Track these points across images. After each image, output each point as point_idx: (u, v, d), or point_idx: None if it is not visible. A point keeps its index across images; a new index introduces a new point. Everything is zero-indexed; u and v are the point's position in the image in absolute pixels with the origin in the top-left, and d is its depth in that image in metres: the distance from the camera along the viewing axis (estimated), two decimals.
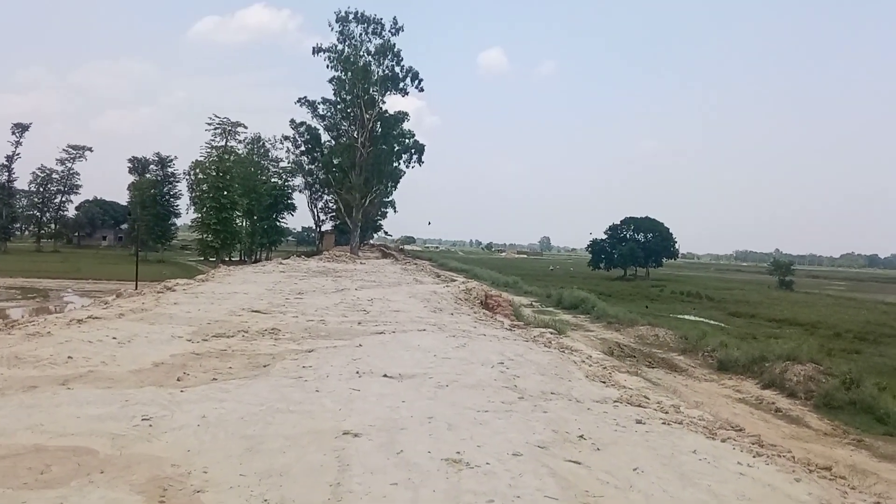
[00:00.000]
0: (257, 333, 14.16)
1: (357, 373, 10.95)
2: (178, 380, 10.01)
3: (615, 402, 10.78)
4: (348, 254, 55.54)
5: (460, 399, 9.69)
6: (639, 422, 9.14)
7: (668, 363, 23.82)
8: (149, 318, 15.60)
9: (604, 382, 12.43)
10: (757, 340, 32.89)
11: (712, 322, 43.26)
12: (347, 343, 13.66)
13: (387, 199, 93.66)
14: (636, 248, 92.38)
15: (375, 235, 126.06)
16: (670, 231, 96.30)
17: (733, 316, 49.34)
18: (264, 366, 11.34)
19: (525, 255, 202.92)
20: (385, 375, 10.88)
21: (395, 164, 73.92)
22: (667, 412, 10.40)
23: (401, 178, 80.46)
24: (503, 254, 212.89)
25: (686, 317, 46.83)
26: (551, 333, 19.41)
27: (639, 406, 10.68)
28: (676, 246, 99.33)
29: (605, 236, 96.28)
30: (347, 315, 17.77)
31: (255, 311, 17.23)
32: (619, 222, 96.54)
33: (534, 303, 41.63)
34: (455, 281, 35.58)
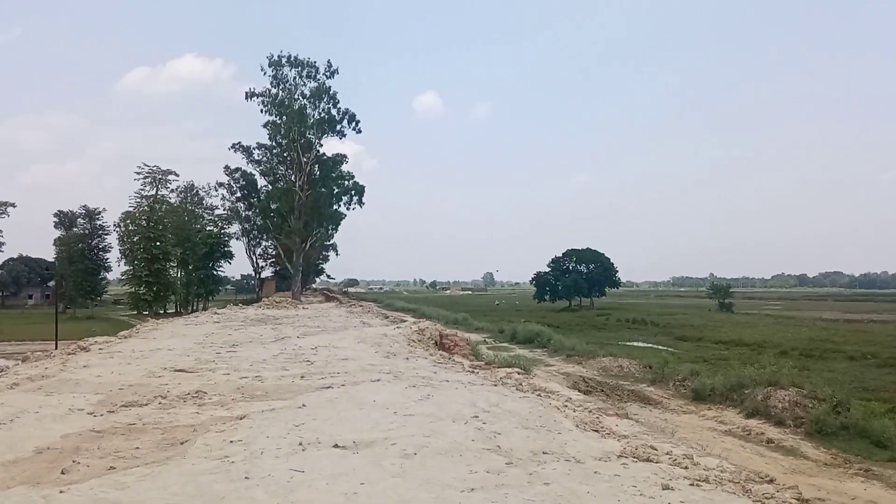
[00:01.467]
0: (178, 399, 11.61)
1: (300, 444, 8.59)
2: (63, 472, 7.49)
3: (620, 457, 8.74)
4: (289, 299, 52.53)
5: (435, 472, 7.47)
6: (665, 487, 7.06)
7: (640, 396, 22.03)
8: (48, 386, 12.85)
9: (597, 431, 10.38)
10: (709, 363, 31.86)
11: (661, 347, 42.30)
12: (288, 404, 11.25)
13: (328, 243, 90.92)
14: (579, 279, 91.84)
15: (318, 279, 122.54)
16: (611, 261, 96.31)
17: (680, 340, 48.63)
18: (182, 443, 8.87)
19: (470, 292, 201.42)
20: (336, 445, 8.56)
21: (336, 207, 71.40)
22: (685, 467, 8.39)
23: (341, 220, 77.91)
24: (448, 291, 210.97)
25: (635, 343, 45.80)
26: (519, 373, 17.32)
27: (648, 460, 8.67)
28: (617, 275, 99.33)
29: (548, 269, 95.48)
30: (288, 368, 15.31)
31: (179, 371, 14.61)
32: (561, 255, 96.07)
33: (487, 339, 39.58)
34: (405, 321, 33.29)
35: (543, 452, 8.59)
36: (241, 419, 10.16)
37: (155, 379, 13.74)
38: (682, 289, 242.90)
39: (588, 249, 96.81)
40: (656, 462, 8.61)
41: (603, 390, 22.90)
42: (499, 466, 7.83)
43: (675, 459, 8.82)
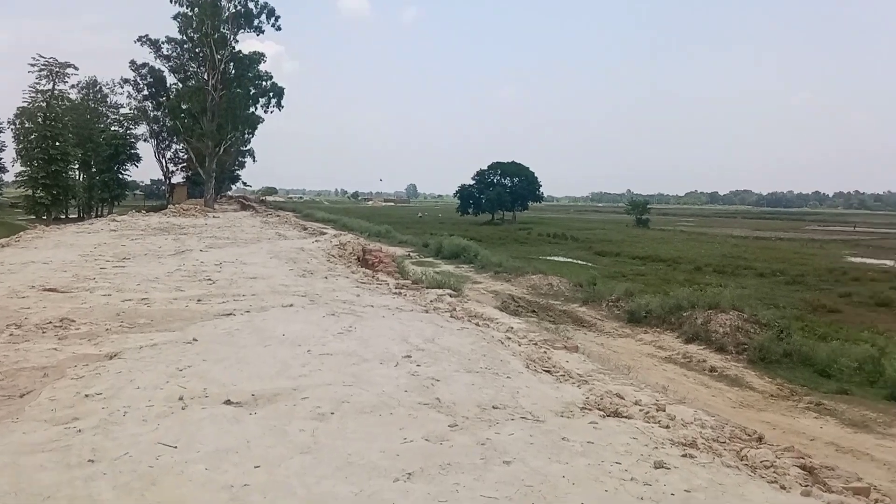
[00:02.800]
0: (35, 329, 9.23)
1: (180, 399, 6.52)
2: None
3: (584, 409, 7.10)
4: (199, 207, 48.91)
5: (358, 444, 5.59)
6: (659, 466, 5.42)
7: (573, 317, 20.91)
8: None
9: (549, 372, 8.73)
10: (628, 278, 31.45)
11: (581, 262, 41.92)
12: (175, 337, 9.07)
13: (244, 148, 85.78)
14: (503, 193, 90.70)
15: (234, 187, 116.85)
16: (535, 175, 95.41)
17: (599, 255, 48.48)
18: (22, 395, 6.66)
19: (393, 203, 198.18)
20: (228, 401, 6.54)
21: (252, 109, 66.56)
22: (666, 426, 6.82)
23: (258, 124, 73.15)
24: (370, 202, 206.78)
25: (556, 258, 45.30)
26: (451, 296, 15.58)
27: (618, 415, 7.07)
28: (541, 189, 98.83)
29: (472, 182, 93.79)
30: (184, 288, 12.99)
31: (49, 290, 12.08)
32: (486, 167, 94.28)
33: (411, 253, 37.84)
34: (325, 234, 30.99)
35: (494, 407, 6.84)
36: (110, 359, 7.95)
37: (16, 300, 11.22)
38: (600, 204, 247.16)
39: (513, 163, 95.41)
40: (628, 417, 7.03)
41: (534, 311, 21.63)
42: (441, 431, 6.02)
43: (648, 413, 7.26)
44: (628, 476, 5.15)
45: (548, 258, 43.56)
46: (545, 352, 10.20)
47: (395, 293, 14.99)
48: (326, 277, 15.76)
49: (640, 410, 7.36)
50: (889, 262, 46.09)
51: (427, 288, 17.45)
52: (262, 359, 8.06)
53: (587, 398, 7.55)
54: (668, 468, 5.37)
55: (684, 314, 18.37)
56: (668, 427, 6.75)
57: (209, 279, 14.21)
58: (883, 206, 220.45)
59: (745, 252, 51.39)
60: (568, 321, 20.24)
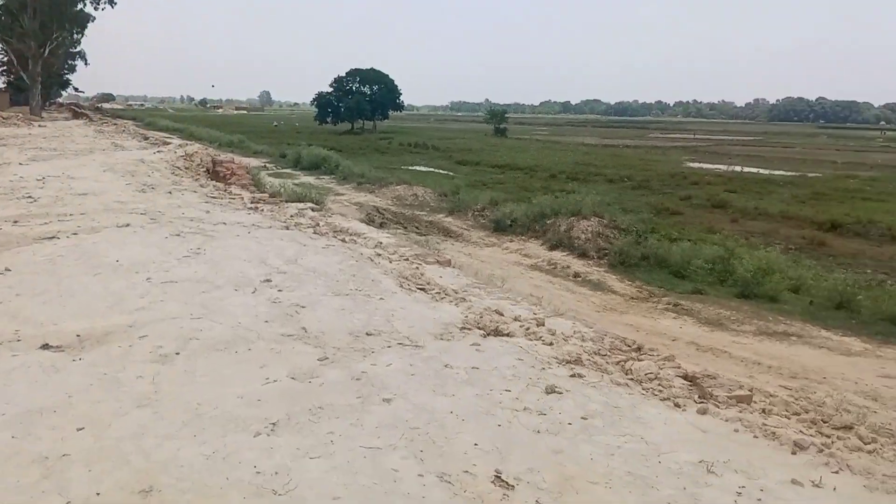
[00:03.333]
0: None
1: None
2: None
3: (464, 330, 6.61)
4: (24, 116, 43.41)
5: (210, 390, 4.74)
6: (551, 391, 5.00)
7: (439, 227, 20.47)
8: None
9: (424, 290, 8.15)
10: (487, 187, 31.66)
11: (442, 171, 41.72)
12: None
13: (74, 49, 76.55)
14: (363, 101, 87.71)
15: (64, 93, 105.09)
16: (395, 83, 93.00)
17: (460, 164, 48.41)
18: None
19: (245, 111, 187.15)
20: (46, 346, 5.40)
21: (80, 6, 59.09)
22: (549, 343, 6.47)
23: (88, 22, 65.17)
24: (220, 110, 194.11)
25: (418, 167, 44.81)
26: (313, 210, 14.55)
27: (499, 333, 6.65)
28: (401, 98, 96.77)
29: (330, 89, 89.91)
30: None
31: None
32: (344, 74, 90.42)
33: (267, 164, 35.62)
34: (169, 144, 28.36)
35: (368, 334, 6.16)
36: None
37: None
38: (459, 113, 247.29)
39: (372, 70, 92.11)
40: (509, 335, 6.61)
41: (400, 222, 20.97)
42: (309, 366, 5.27)
43: (529, 329, 6.88)
44: (521, 405, 4.68)
45: (409, 168, 42.89)
46: (417, 268, 9.60)
47: (251, 208, 13.74)
48: (170, 192, 14.15)
49: (521, 327, 6.96)
50: (722, 167, 49.37)
51: (286, 202, 16.25)
52: (91, 290, 6.84)
53: (466, 317, 7.05)
54: (561, 392, 4.97)
55: (548, 222, 18.46)
56: (551, 344, 6.38)
57: (29, 196, 12.26)
58: (717, 113, 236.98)
59: (595, 159, 53.14)
60: (435, 232, 19.81)
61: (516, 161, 49.74)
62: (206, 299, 6.77)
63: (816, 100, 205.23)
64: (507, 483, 3.60)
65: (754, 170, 46.73)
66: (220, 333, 5.84)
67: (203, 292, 7.00)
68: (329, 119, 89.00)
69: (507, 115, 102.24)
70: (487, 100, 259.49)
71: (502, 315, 7.36)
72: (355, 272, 8.27)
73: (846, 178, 43.56)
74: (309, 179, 30.14)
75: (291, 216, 13.70)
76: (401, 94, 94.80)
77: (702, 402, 5.04)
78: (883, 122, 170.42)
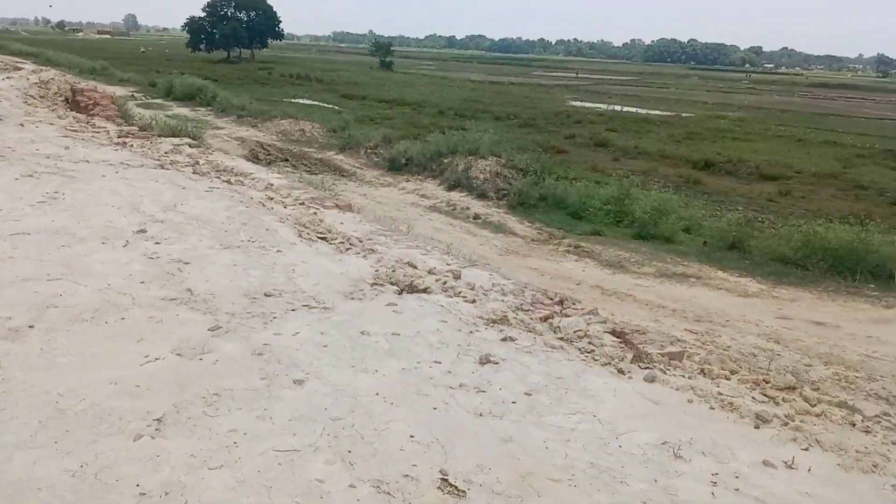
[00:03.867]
0: None
1: None
2: None
3: (375, 286, 5.92)
4: None
5: (73, 374, 3.82)
6: (486, 361, 4.42)
7: (330, 165, 19.30)
8: None
9: (325, 239, 7.32)
10: (375, 122, 30.72)
11: (327, 105, 40.09)
12: None
13: None
14: (239, 28, 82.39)
15: None
16: (274, 9, 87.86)
17: (346, 98, 46.72)
18: None
19: (109, 36, 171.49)
20: None
21: None
22: (472, 300, 5.89)
23: None
24: (80, 34, 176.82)
25: (300, 100, 42.80)
26: (191, 146, 13.10)
27: (414, 288, 6.00)
28: (281, 26, 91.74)
29: (203, 14, 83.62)
30: None
31: None
32: None
33: (135, 94, 32.56)
34: (21, 70, 25.10)
35: (266, 295, 5.33)
36: None
37: None
38: (343, 45, 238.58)
39: None
40: (425, 290, 5.97)
41: (287, 159, 19.63)
42: (199, 338, 4.42)
43: (446, 283, 6.26)
44: (455, 381, 4.07)
45: (292, 101, 40.83)
46: (315, 213, 8.69)
47: (119, 144, 12.17)
48: (22, 125, 12.27)
49: (437, 281, 6.32)
50: (603, 106, 50.40)
51: (159, 136, 14.60)
52: None
53: (376, 271, 6.33)
54: (497, 363, 4.40)
55: (445, 161, 17.77)
56: (473, 301, 5.80)
57: None
58: (596, 53, 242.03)
59: (482, 96, 52.86)
60: (326, 171, 18.65)
61: (404, 96, 48.52)
62: (67, 255, 5.65)
63: (688, 42, 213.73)
64: (456, 488, 2.99)
65: (633, 109, 48.00)
66: (85, 299, 4.82)
67: (63, 246, 5.85)
68: (203, 46, 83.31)
69: (392, 49, 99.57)
70: (372, 31, 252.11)
71: (415, 268, 6.68)
72: (246, 220, 7.30)
73: (716, 118, 45.65)
74: (183, 111, 27.76)
75: (166, 153, 12.25)
76: (280, 21, 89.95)
77: (648, 369, 4.63)
78: (747, 65, 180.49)
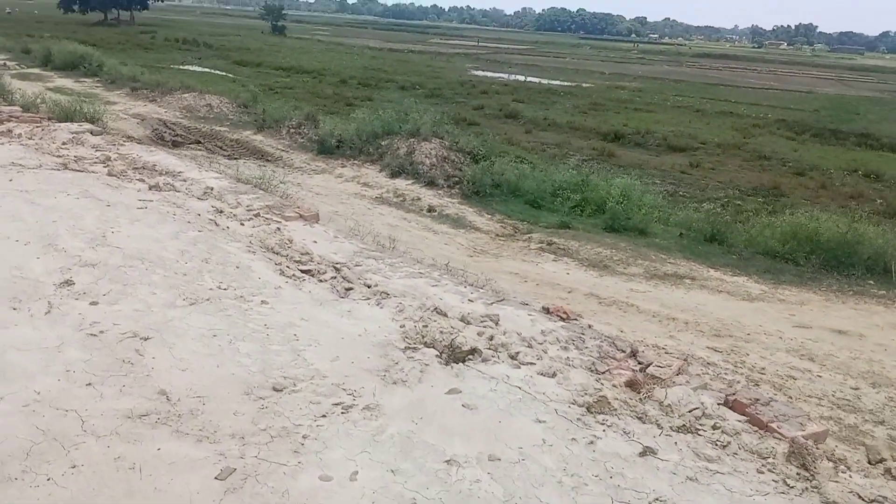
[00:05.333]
0: None
1: None
2: None
3: (408, 348, 4.37)
4: None
5: None
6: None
7: (250, 148, 16.95)
8: None
9: (309, 271, 5.62)
10: (275, 92, 28.42)
11: (220, 72, 36.95)
12: None
13: None
14: None
15: None
16: None
17: (239, 65, 43.32)
18: None
19: None
20: None
21: None
22: (553, 373, 4.42)
23: None
24: None
25: (190, 67, 39.27)
26: (93, 133, 10.72)
27: (456, 352, 4.60)
28: None
29: None
30: None
31: None
32: None
33: (7, 62, 28.27)
34: None
35: (276, 389, 3.65)
36: None
37: None
38: (228, 7, 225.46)
39: None
40: (475, 353, 4.50)
41: (200, 141, 17.12)
42: None
43: (492, 337, 4.79)
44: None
45: (181, 68, 37.27)
46: (278, 229, 6.85)
47: (1, 133, 9.68)
48: None
49: (480, 335, 4.81)
50: (504, 76, 49.53)
51: (49, 119, 11.99)
52: None
53: (402, 326, 4.70)
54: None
55: (383, 143, 15.90)
56: (554, 376, 4.32)
57: None
58: (489, 20, 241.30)
59: (383, 65, 50.72)
60: (246, 154, 16.37)
61: (301, 63, 45.57)
62: None
63: (577, 11, 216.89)
64: None
65: (535, 79, 47.29)
66: None
67: None
68: (76, 8, 75.88)
69: (284, 13, 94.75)
70: None
71: (445, 315, 5.10)
72: (205, 252, 5.43)
73: (616, 88, 45.75)
74: (66, 83, 24.18)
75: (64, 144, 9.88)
76: None
77: (805, 469, 3.31)
78: (634, 35, 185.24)
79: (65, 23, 67.78)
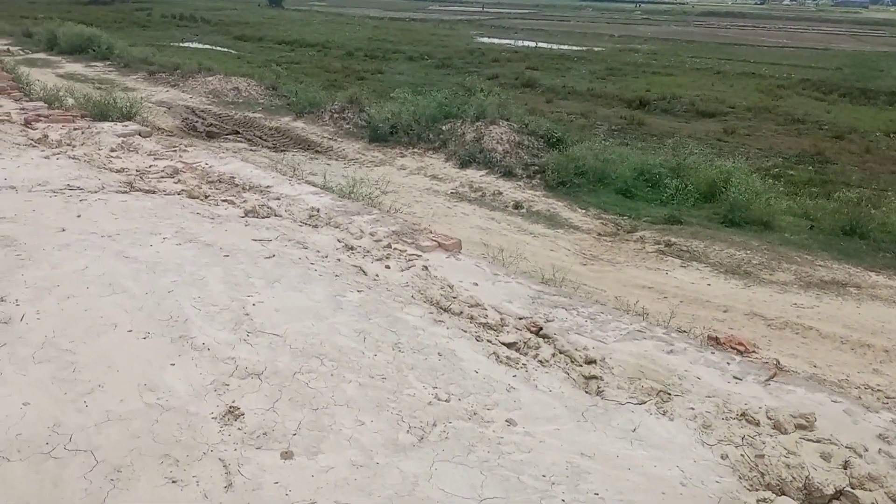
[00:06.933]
0: None
1: None
2: None
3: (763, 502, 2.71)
4: None
5: None
6: None
7: (292, 137, 15.17)
8: None
9: (514, 346, 3.98)
10: (282, 66, 26.77)
11: (222, 49, 35.02)
12: None
13: None
14: None
15: None
16: None
17: (240, 40, 41.19)
18: None
19: None
20: None
21: None
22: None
23: None
24: None
25: (191, 45, 37.27)
26: (142, 134, 9.03)
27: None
28: None
29: None
30: None
31: None
32: None
33: (10, 48, 26.22)
34: None
35: None
36: None
37: None
38: None
39: None
40: None
41: (238, 132, 15.35)
42: None
43: (716, 405, 3.17)
44: None
45: (182, 45, 35.34)
46: (426, 268, 5.24)
47: (36, 141, 8.00)
48: None
49: (828, 459, 3.23)
50: (511, 42, 47.36)
51: (84, 118, 10.25)
52: None
53: (726, 458, 3.11)
54: None
55: (444, 128, 14.12)
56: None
57: None
58: None
59: (387, 35, 48.46)
60: (290, 144, 14.63)
61: (304, 36, 43.40)
62: None
63: None
64: None
65: (545, 45, 45.13)
66: None
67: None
68: None
69: None
70: None
71: (756, 422, 3.51)
72: (387, 328, 3.83)
73: (629, 51, 43.62)
74: (77, 68, 22.23)
75: (113, 152, 8.22)
76: None
77: None
78: None
79: (57, 2, 64.96)
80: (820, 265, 9.30)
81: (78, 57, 24.67)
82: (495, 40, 48.87)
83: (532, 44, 46.21)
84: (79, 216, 5.30)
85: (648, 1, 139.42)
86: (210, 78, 20.00)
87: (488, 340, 3.98)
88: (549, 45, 45.41)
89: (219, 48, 35.64)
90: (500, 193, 11.92)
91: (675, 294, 8.42)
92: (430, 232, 6.18)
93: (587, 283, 8.38)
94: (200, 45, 37.36)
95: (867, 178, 14.78)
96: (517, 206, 11.43)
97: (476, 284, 5.18)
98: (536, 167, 12.73)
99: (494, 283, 5.31)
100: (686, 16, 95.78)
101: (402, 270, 5.09)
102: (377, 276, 4.80)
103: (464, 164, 13.15)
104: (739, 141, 17.94)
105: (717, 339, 6.88)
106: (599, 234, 10.69)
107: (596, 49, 44.77)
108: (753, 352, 6.85)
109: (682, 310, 7.95)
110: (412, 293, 4.58)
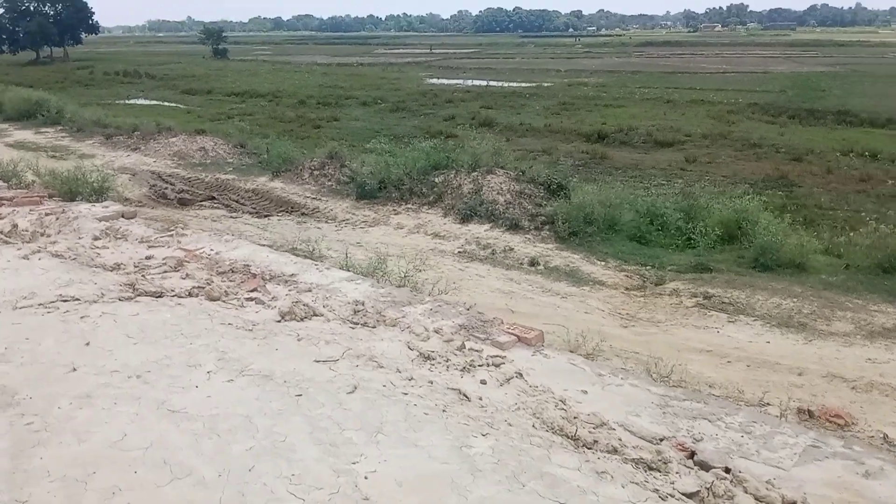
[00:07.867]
0: None
1: None
2: None
3: None
4: None
5: None
6: None
7: (273, 199, 14.03)
8: None
9: (655, 469, 3.04)
10: (233, 119, 25.92)
11: (170, 104, 34.11)
12: None
13: None
14: (47, 24, 70.17)
15: None
16: (85, 1, 76.14)
17: (188, 94, 40.29)
18: None
19: None
20: None
21: None
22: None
23: None
24: None
25: (137, 101, 36.27)
26: (126, 216, 7.88)
27: None
28: (94, 18, 79.95)
29: (1, 10, 70.36)
30: None
31: None
32: None
33: None
34: None
35: None
36: None
37: None
38: (161, 34, 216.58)
39: None
40: None
41: (213, 197, 14.21)
42: None
43: None
44: None
45: (128, 102, 34.41)
46: (519, 374, 4.31)
47: (3, 236, 6.83)
48: None
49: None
50: (461, 82, 47.57)
51: (53, 198, 9.07)
52: None
53: None
54: None
55: (437, 181, 13.21)
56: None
57: None
58: (427, 26, 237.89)
59: (337, 80, 48.29)
60: (272, 207, 13.51)
61: (253, 87, 42.70)
62: None
63: (514, 9, 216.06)
64: None
65: (495, 83, 45.29)
66: None
67: None
68: (5, 48, 70.55)
69: (224, 35, 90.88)
70: (190, 17, 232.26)
71: None
72: (545, 494, 2.85)
73: (579, 85, 44.10)
74: (27, 136, 20.73)
75: (97, 240, 7.09)
76: (93, 13, 78.41)
77: None
78: (571, 29, 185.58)
79: None
80: (875, 310, 8.70)
81: (26, 123, 23.12)
82: (445, 81, 48.78)
83: (483, 82, 46.28)
84: (87, 344, 4.22)
85: (587, 35, 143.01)
86: (173, 139, 18.80)
87: (670, 494, 3.06)
88: (500, 83, 45.58)
89: (167, 103, 34.61)
90: (512, 249, 11.10)
91: (737, 357, 7.65)
92: (504, 323, 5.26)
93: (638, 351, 7.58)
94: (147, 102, 36.30)
95: (836, 199, 14.79)
96: (533, 262, 10.61)
97: (585, 392, 4.28)
98: (543, 217, 11.98)
99: (603, 387, 4.42)
100: (625, 47, 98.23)
101: (501, 385, 4.16)
102: (481, 399, 3.85)
103: (465, 219, 12.32)
104: (703, 169, 18.03)
105: (809, 411, 6.06)
106: (627, 289, 9.92)
107: (545, 84, 45.07)
108: (854, 423, 6.05)
109: (754, 376, 7.19)
110: (532, 421, 3.64)
